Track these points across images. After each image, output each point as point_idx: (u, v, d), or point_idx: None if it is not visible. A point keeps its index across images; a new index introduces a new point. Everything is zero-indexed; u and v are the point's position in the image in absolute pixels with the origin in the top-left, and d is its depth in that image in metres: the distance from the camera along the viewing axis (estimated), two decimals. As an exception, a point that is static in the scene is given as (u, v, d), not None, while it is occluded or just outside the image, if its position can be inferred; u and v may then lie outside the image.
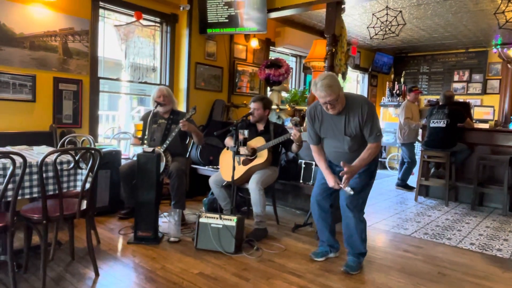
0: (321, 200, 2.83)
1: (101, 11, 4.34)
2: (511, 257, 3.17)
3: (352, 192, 2.52)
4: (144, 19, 4.71)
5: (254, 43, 5.93)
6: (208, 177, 3.67)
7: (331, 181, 2.64)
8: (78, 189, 2.57)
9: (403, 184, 5.99)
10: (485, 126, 6.06)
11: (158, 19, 4.96)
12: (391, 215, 4.39)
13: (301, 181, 3.88)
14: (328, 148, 2.76)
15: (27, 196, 2.38)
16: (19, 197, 2.22)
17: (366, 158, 2.55)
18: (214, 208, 3.86)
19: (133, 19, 4.56)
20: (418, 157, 5.59)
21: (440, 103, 5.30)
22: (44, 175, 2.28)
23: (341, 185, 2.55)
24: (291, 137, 3.21)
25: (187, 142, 3.96)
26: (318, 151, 2.78)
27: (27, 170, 2.31)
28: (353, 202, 2.67)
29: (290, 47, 6.58)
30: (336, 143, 2.66)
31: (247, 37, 5.87)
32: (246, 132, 3.16)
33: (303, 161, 3.92)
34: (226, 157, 3.54)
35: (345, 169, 2.48)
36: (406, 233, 3.72)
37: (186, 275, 2.54)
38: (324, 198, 2.82)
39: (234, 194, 3.23)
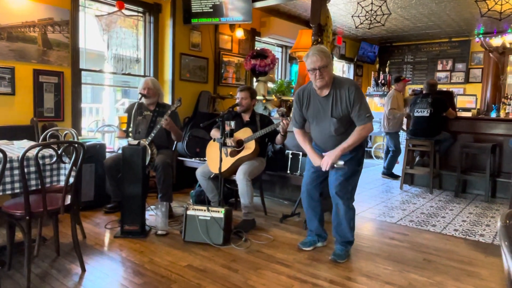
0: (311, 189, 2.84)
1: (81, 0, 4.22)
2: (493, 242, 3.25)
3: (342, 162, 2.57)
4: (127, 9, 4.60)
5: (240, 33, 5.87)
6: (195, 169, 3.65)
7: (317, 161, 2.67)
8: (62, 183, 2.52)
9: (388, 172, 6.06)
10: (468, 114, 6.18)
11: (140, 9, 4.85)
12: (377, 203, 4.45)
13: (288, 171, 3.89)
14: (315, 132, 2.76)
15: (9, 192, 2.32)
16: (0, 193, 2.16)
17: (356, 140, 2.55)
18: (201, 200, 3.84)
19: (115, 9, 4.46)
20: (403, 146, 5.67)
21: (424, 92, 5.36)
22: (26, 170, 2.22)
23: (322, 167, 2.63)
24: (279, 128, 3.20)
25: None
26: (302, 134, 2.80)
27: (8, 165, 2.24)
28: (343, 190, 2.68)
29: (275, 37, 6.54)
30: (323, 126, 2.66)
31: (232, 27, 5.81)
32: (232, 123, 3.13)
33: (290, 152, 3.92)
34: (213, 149, 3.51)
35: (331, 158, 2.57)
36: (392, 221, 3.77)
37: (174, 268, 2.53)
38: (314, 187, 2.84)
39: (222, 186, 3.21)
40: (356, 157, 2.68)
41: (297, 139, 2.83)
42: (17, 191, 2.34)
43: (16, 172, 2.30)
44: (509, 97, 6.80)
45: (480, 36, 7.22)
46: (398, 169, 5.88)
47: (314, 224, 2.92)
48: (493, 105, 6.99)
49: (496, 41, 7.10)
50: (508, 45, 7.04)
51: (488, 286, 2.44)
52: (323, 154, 2.66)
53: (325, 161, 2.60)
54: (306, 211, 2.94)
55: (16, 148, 2.69)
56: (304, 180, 2.90)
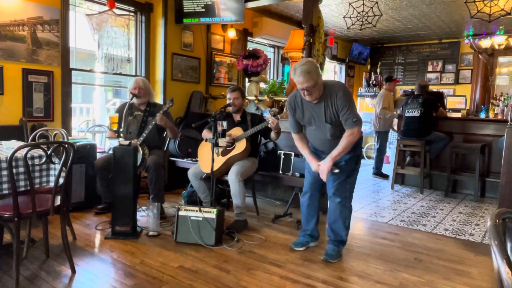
0: (315, 190, 2.86)
1: (71, -1, 4.18)
2: (483, 241, 3.29)
3: (337, 170, 2.61)
4: (118, 8, 4.57)
5: (232, 34, 5.86)
6: (187, 169, 3.63)
7: (314, 166, 2.69)
8: (51, 184, 2.49)
9: (378, 172, 6.13)
10: (458, 115, 6.24)
11: (132, 8, 4.82)
12: (369, 203, 4.47)
13: (280, 172, 3.89)
14: (312, 136, 2.77)
15: (-3, 193, 2.28)
16: (-12, 194, 2.13)
17: (346, 146, 2.56)
18: (193, 200, 3.82)
19: (106, 8, 4.42)
20: (394, 146, 5.71)
21: (416, 93, 5.42)
22: (14, 170, 2.19)
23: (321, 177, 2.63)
24: (269, 125, 3.20)
25: (164, 135, 3.89)
26: (300, 139, 2.80)
27: (-4, 166, 2.21)
28: (341, 188, 2.70)
29: (267, 37, 6.54)
30: (319, 131, 2.67)
31: (224, 27, 5.80)
32: (224, 123, 3.12)
33: (282, 152, 3.93)
34: (204, 149, 3.50)
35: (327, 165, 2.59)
36: (383, 220, 3.80)
37: (166, 269, 2.51)
38: (317, 188, 2.85)
39: (214, 186, 3.20)
40: (354, 156, 2.71)
41: (296, 144, 2.83)
42: (5, 192, 2.30)
43: (4, 173, 2.27)
44: (497, 98, 6.89)
45: (470, 37, 7.31)
46: (388, 169, 5.92)
47: (312, 224, 2.93)
48: (482, 106, 7.08)
49: (485, 43, 7.19)
50: (496, 47, 7.13)
51: (478, 284, 2.46)
52: (318, 163, 2.67)
53: (322, 172, 2.63)
54: (306, 211, 2.92)
55: (5, 149, 2.65)
56: (307, 181, 2.90)
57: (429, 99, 5.19)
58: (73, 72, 4.24)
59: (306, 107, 2.67)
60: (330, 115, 2.57)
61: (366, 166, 7.16)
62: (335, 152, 2.57)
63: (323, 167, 2.61)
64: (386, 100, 5.90)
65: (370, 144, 8.23)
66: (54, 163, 2.47)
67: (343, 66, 8.86)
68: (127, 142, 3.09)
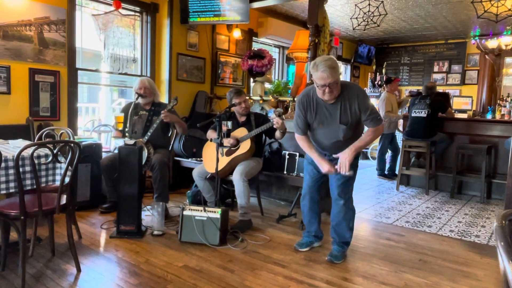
0: (314, 192, 2.84)
1: (78, -1, 4.21)
2: (489, 242, 3.26)
3: (351, 173, 2.55)
4: (123, 8, 4.59)
5: (237, 34, 5.87)
6: (192, 169, 3.64)
7: (325, 167, 2.60)
8: (57, 183, 2.51)
9: (382, 173, 6.12)
10: (464, 116, 6.21)
11: (137, 9, 4.84)
12: (374, 204, 4.46)
13: (285, 172, 3.89)
14: (320, 137, 2.68)
15: (4, 192, 2.30)
16: (-5, 193, 2.14)
17: (370, 140, 2.57)
18: (198, 200, 3.83)
19: (112, 8, 4.44)
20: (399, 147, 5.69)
21: (423, 94, 5.39)
22: (21, 169, 2.21)
23: (340, 171, 2.55)
24: (274, 126, 3.18)
25: (169, 134, 3.90)
26: (306, 140, 2.70)
27: (3, 164, 2.23)
28: (345, 190, 2.69)
29: (273, 37, 6.54)
30: (330, 132, 2.60)
31: (229, 27, 5.81)
32: (229, 123, 3.13)
33: (287, 152, 3.92)
34: (209, 149, 3.51)
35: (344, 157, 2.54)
36: (388, 221, 3.78)
37: (171, 268, 2.52)
38: (316, 190, 2.84)
39: (218, 186, 3.21)
40: (358, 156, 2.69)
41: (301, 145, 2.73)
42: (12, 190, 2.32)
43: (11, 171, 2.29)
44: (504, 98, 6.84)
45: (476, 38, 7.25)
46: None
47: (314, 225, 2.92)
48: (488, 107, 7.02)
49: (492, 43, 7.13)
50: (503, 47, 7.07)
51: (483, 286, 2.44)
52: (334, 156, 2.62)
53: (343, 164, 2.52)
54: (307, 214, 2.91)
55: (11, 148, 2.68)
56: (306, 184, 2.87)
57: (437, 100, 5.16)
58: (79, 72, 4.27)
59: (320, 107, 2.57)
60: (347, 116, 2.52)
61: (372, 167, 7.14)
62: (358, 143, 2.54)
63: (343, 160, 2.52)
64: (389, 103, 5.85)
65: (375, 145, 8.20)
66: (60, 162, 2.49)
67: (348, 67, 8.84)
68: (132, 142, 3.11)
